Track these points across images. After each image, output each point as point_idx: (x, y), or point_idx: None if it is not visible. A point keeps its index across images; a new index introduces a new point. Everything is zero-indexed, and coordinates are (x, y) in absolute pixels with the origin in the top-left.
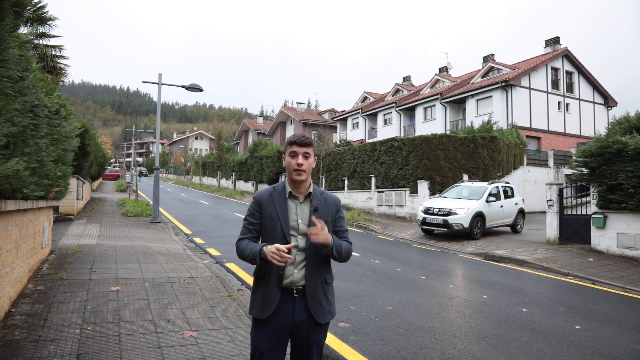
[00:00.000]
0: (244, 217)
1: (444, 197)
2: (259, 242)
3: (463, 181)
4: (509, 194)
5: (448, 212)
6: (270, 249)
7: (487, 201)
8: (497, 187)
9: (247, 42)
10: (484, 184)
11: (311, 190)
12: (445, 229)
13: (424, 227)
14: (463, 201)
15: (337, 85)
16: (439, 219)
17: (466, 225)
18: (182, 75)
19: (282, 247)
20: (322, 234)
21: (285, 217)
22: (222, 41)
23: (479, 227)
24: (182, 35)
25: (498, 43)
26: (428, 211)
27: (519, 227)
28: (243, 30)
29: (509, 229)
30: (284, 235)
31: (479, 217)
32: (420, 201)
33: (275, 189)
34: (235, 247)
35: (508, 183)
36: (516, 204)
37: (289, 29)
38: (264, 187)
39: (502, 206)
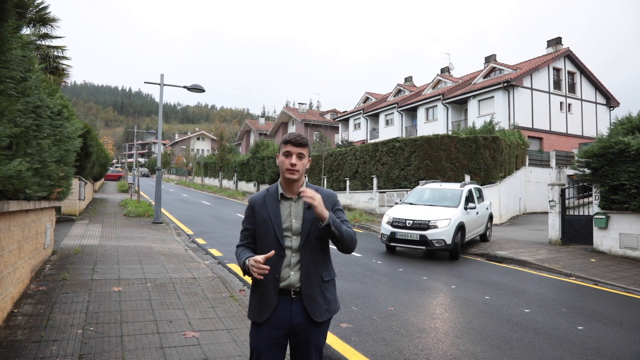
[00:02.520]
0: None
1: (411, 204)
2: (256, 247)
3: (428, 181)
4: (478, 196)
5: (427, 225)
6: (250, 263)
7: (465, 208)
8: (471, 189)
9: (250, 42)
10: (456, 185)
11: (303, 188)
12: (423, 247)
13: (392, 244)
14: (440, 209)
15: (339, 85)
16: (414, 234)
17: (449, 241)
18: (185, 76)
19: (259, 258)
20: (316, 197)
21: (277, 220)
22: (225, 42)
23: (459, 243)
24: (185, 37)
25: (500, 43)
26: (398, 223)
27: (489, 235)
28: (246, 30)
29: (478, 238)
30: (277, 238)
31: (460, 229)
32: None
33: (268, 192)
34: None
35: (475, 183)
36: (487, 208)
37: (292, 30)
38: (265, 187)
39: (477, 213)
